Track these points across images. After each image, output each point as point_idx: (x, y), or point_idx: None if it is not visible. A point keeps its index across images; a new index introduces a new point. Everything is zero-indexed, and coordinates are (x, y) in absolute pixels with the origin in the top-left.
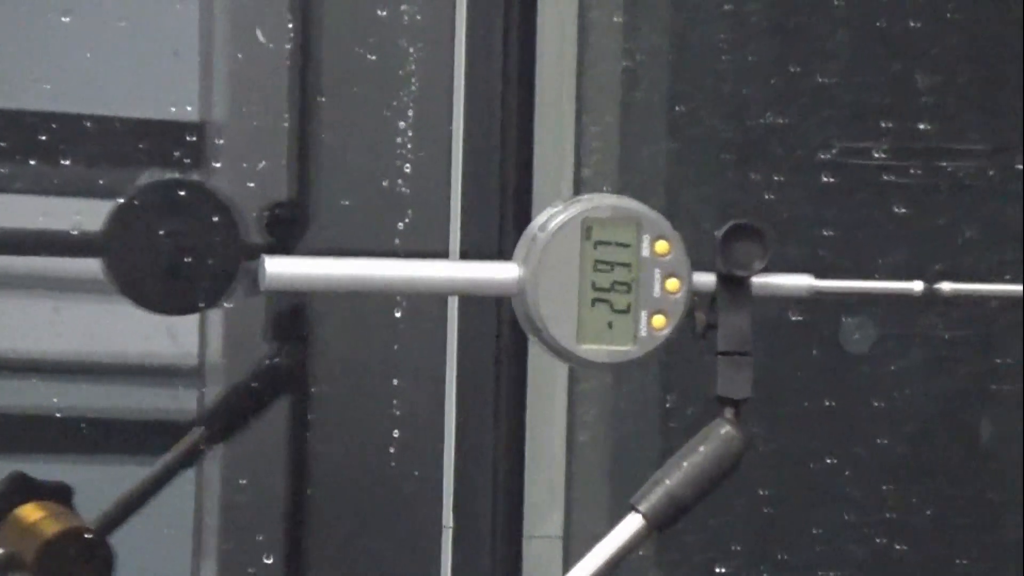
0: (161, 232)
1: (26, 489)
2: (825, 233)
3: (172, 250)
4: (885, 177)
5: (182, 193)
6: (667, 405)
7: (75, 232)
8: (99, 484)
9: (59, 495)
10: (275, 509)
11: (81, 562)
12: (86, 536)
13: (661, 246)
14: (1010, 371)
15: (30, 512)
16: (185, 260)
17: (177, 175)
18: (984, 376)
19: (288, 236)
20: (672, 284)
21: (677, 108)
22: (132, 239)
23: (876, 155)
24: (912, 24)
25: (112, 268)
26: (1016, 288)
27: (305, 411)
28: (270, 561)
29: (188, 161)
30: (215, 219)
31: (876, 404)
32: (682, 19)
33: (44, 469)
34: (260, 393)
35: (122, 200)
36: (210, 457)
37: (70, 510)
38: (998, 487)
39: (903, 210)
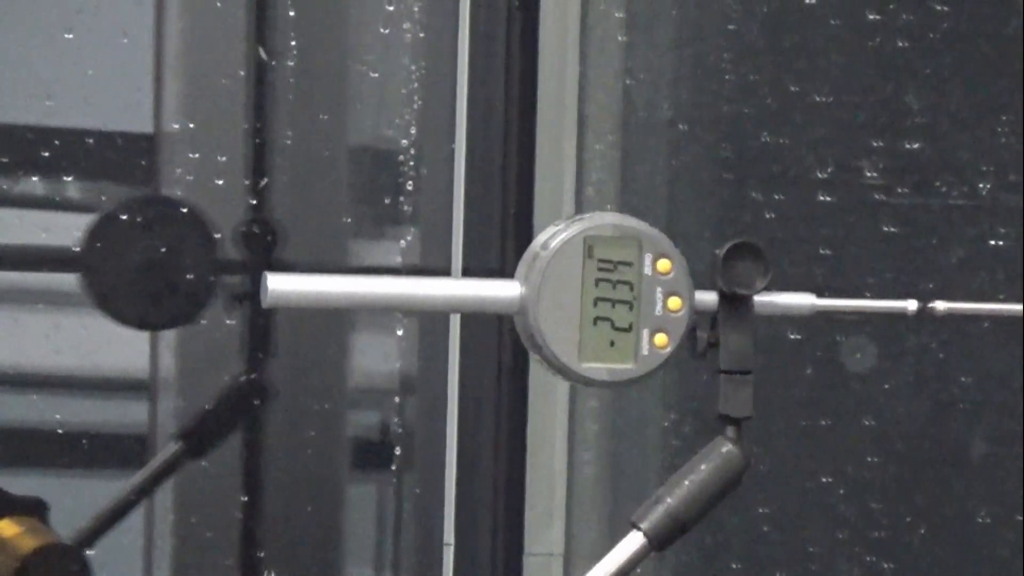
0: (139, 248)
1: (1, 504)
2: (823, 252)
3: (150, 266)
4: (877, 196)
5: (159, 209)
6: (665, 424)
7: (52, 247)
8: (67, 497)
9: (35, 510)
10: (275, 526)
11: None
12: (64, 551)
13: (663, 264)
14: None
15: (6, 528)
16: (163, 276)
17: (176, 191)
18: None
19: (268, 251)
20: (674, 302)
21: (680, 127)
22: (109, 255)
23: (869, 174)
24: (906, 44)
25: (89, 283)
26: (1012, 307)
27: (306, 428)
28: None
29: (189, 178)
30: (192, 235)
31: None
32: (684, 39)
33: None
34: (248, 409)
35: (99, 216)
36: (201, 473)
37: (46, 525)
38: (988, 504)
39: (895, 229)
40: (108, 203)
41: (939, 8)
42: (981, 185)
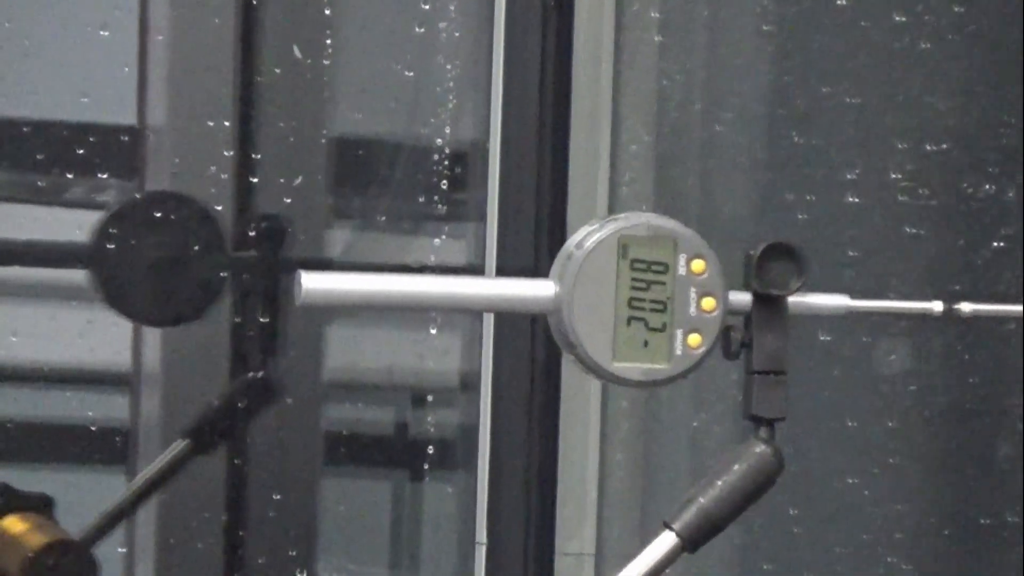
0: (148, 244)
1: (8, 500)
2: (851, 253)
3: (159, 262)
4: (902, 198)
5: (169, 206)
6: (694, 424)
7: (62, 243)
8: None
9: (41, 506)
10: (308, 526)
11: (67, 574)
12: (72, 548)
13: (697, 265)
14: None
15: (13, 524)
16: (172, 272)
17: (209, 189)
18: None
19: (278, 247)
20: (708, 303)
21: (715, 127)
22: (119, 251)
23: (894, 175)
24: (935, 46)
25: (98, 279)
26: (1012, 308)
27: (338, 426)
28: None
29: (223, 176)
30: (201, 231)
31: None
32: (718, 39)
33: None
34: (270, 406)
35: (109, 212)
36: (233, 473)
37: (53, 521)
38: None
39: (921, 231)
40: (116, 200)
41: (961, 9)
42: (988, 187)
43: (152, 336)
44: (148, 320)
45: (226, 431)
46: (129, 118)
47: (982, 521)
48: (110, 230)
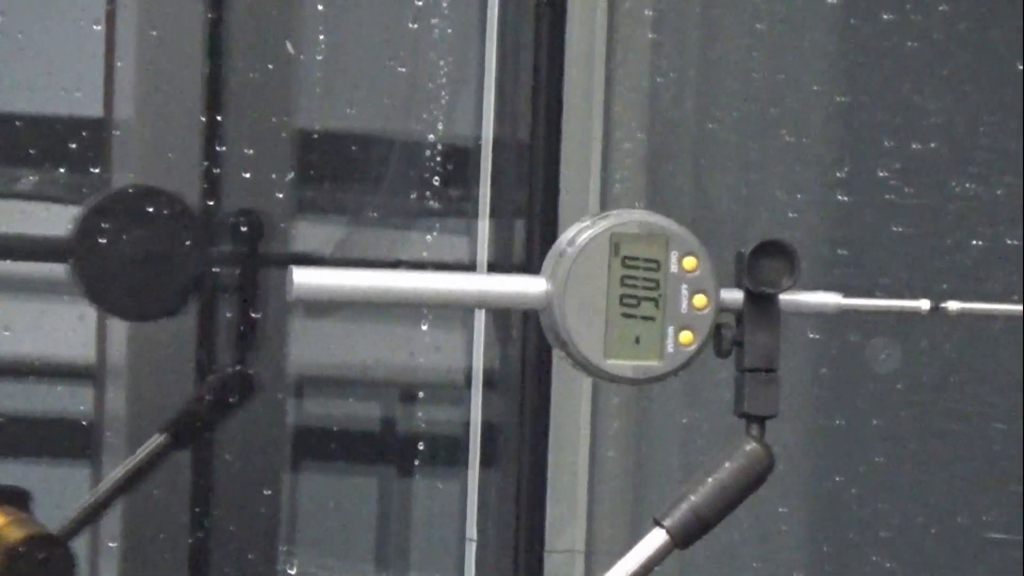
0: (127, 239)
1: None
2: (840, 252)
3: (138, 257)
4: (889, 196)
5: (149, 200)
6: (685, 421)
7: (42, 237)
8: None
9: (17, 500)
10: (297, 522)
11: (45, 568)
12: (50, 542)
13: (689, 262)
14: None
15: None
16: (151, 267)
17: (201, 184)
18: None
19: (257, 242)
20: (699, 300)
21: (708, 125)
22: (99, 245)
23: (882, 174)
24: (923, 45)
25: (79, 274)
26: (1013, 307)
27: (329, 422)
28: (293, 572)
29: (216, 171)
30: (182, 226)
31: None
32: (712, 37)
33: None
34: (254, 400)
35: (89, 206)
36: (229, 469)
37: (30, 515)
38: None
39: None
40: (97, 194)
41: (951, 8)
42: (975, 186)
43: (136, 330)
44: (127, 315)
45: (206, 425)
46: (122, 112)
47: (960, 520)
48: (89, 225)
